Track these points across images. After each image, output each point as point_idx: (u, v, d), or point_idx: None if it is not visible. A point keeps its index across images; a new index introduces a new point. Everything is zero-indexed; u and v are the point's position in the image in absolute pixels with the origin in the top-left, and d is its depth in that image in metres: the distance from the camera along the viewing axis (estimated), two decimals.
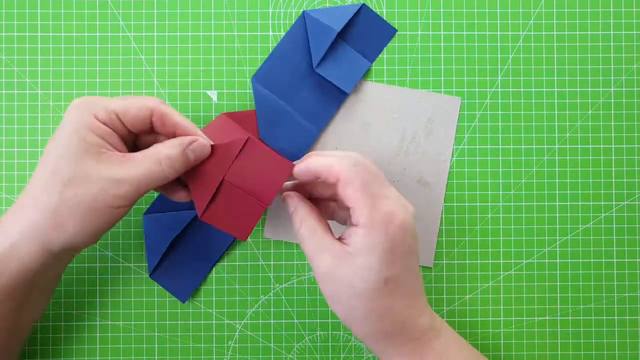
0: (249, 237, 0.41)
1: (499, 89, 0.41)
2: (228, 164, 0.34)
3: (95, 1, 0.40)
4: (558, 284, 0.41)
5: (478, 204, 0.41)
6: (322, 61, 0.39)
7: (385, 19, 0.41)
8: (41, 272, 0.31)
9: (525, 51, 0.41)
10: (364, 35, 0.40)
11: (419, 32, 0.41)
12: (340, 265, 0.30)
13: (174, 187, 0.35)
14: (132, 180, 0.31)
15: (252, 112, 0.39)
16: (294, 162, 0.33)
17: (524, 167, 0.41)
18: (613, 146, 0.41)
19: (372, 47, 0.41)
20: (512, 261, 0.41)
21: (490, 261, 0.41)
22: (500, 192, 0.41)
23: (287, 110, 0.39)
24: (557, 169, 0.41)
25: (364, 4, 0.40)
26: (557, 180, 0.41)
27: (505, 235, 0.41)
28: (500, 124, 0.41)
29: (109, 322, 0.40)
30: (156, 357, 0.40)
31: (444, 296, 0.41)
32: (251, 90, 0.40)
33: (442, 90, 0.41)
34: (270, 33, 0.41)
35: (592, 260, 0.41)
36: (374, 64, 0.41)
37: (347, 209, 0.31)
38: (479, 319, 0.41)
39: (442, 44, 0.41)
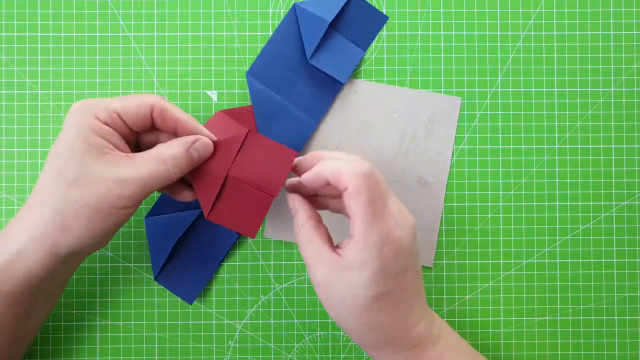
0: (248, 237, 0.41)
1: (499, 89, 0.41)
2: (231, 160, 0.34)
3: (95, 1, 0.40)
4: (558, 284, 0.41)
5: (478, 204, 0.41)
6: (315, 52, 0.39)
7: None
8: (47, 277, 0.31)
9: (525, 51, 0.41)
10: (356, 24, 0.40)
11: (419, 32, 0.41)
12: (333, 278, 0.30)
13: (178, 187, 0.35)
14: (137, 181, 0.31)
15: (249, 108, 0.39)
16: (297, 153, 0.33)
17: (524, 167, 0.41)
18: (613, 146, 0.41)
19: (364, 36, 0.41)
20: (512, 261, 0.41)
21: (490, 261, 0.41)
22: (500, 192, 0.41)
23: (283, 104, 0.39)
24: (557, 169, 0.41)
25: None
26: (557, 180, 0.41)
27: (505, 235, 0.41)
28: (500, 124, 0.41)
29: (109, 322, 0.40)
30: (156, 357, 0.40)
31: (444, 296, 0.41)
32: (250, 99, 0.40)
33: (442, 90, 0.41)
34: (270, 33, 0.41)
35: (592, 260, 0.41)
36: (374, 64, 0.41)
37: (343, 204, 0.31)
38: (479, 319, 0.41)
39: (442, 44, 0.41)
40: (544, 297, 0.41)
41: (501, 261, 0.41)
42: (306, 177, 0.31)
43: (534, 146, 0.41)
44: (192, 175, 0.34)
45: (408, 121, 0.41)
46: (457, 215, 0.41)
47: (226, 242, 0.40)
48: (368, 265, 0.29)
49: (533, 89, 0.41)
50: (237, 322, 0.40)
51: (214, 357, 0.40)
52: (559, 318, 0.41)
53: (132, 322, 0.40)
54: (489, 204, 0.41)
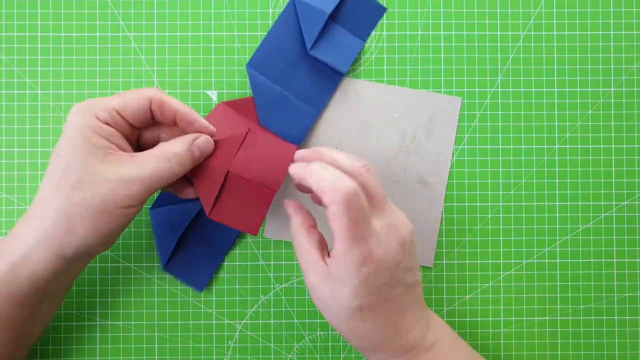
0: (249, 237, 0.41)
1: (499, 89, 0.41)
2: (231, 157, 0.34)
3: (95, 1, 0.40)
4: (558, 284, 0.41)
5: (478, 204, 0.41)
6: (315, 44, 0.39)
7: (385, 19, 0.41)
8: (53, 280, 0.31)
9: (525, 51, 0.41)
10: (355, 15, 0.40)
11: (419, 32, 0.41)
12: (321, 285, 0.31)
13: (181, 185, 0.35)
14: (141, 180, 0.31)
15: (250, 99, 0.39)
16: (297, 147, 0.34)
17: (524, 167, 0.41)
18: (613, 146, 0.41)
19: (363, 27, 0.41)
20: (512, 261, 0.41)
21: (490, 261, 0.41)
22: (500, 192, 0.41)
23: (284, 95, 0.39)
24: (557, 169, 0.41)
25: None
26: (557, 180, 0.41)
27: (505, 235, 0.41)
28: (500, 124, 0.41)
29: (109, 322, 0.40)
30: (156, 357, 0.40)
31: (444, 296, 0.41)
32: (251, 91, 0.40)
33: (442, 90, 0.41)
34: None
35: (592, 260, 0.41)
36: (374, 64, 0.41)
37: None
38: (479, 319, 0.41)
39: (442, 44, 0.41)
40: (544, 297, 0.41)
41: (501, 261, 0.41)
42: (293, 172, 0.32)
43: (534, 146, 0.41)
44: (193, 173, 0.34)
45: (408, 121, 0.41)
46: (457, 215, 0.41)
47: (233, 229, 0.40)
48: (348, 281, 0.29)
49: (533, 89, 0.41)
50: (237, 322, 0.40)
51: (214, 357, 0.40)
52: (559, 318, 0.41)
53: (132, 322, 0.40)
54: (489, 204, 0.41)
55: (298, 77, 0.40)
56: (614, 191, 0.41)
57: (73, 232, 0.30)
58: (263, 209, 0.35)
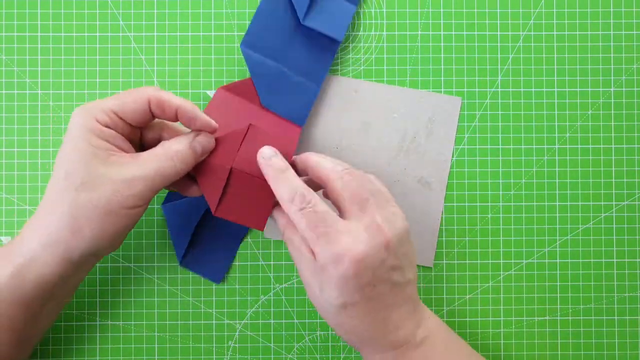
0: (249, 237, 0.41)
1: (499, 89, 0.41)
2: (234, 154, 0.34)
3: (95, 1, 0.40)
4: (558, 284, 0.41)
5: (478, 204, 0.41)
6: (307, 14, 0.39)
7: (385, 19, 0.41)
8: (60, 283, 0.32)
9: (525, 51, 0.41)
10: None
11: (419, 32, 0.41)
12: (312, 280, 0.31)
13: (185, 183, 0.35)
14: (144, 179, 0.31)
15: (249, 81, 0.39)
16: (301, 129, 0.35)
17: (524, 167, 0.41)
18: (613, 146, 0.41)
19: None
20: (512, 261, 0.41)
21: (490, 261, 0.41)
22: (500, 192, 0.41)
23: (282, 71, 0.39)
24: (557, 169, 0.41)
25: None
26: (557, 180, 0.41)
27: (505, 235, 0.41)
28: (500, 124, 0.41)
29: (109, 322, 0.40)
30: (156, 357, 0.40)
31: (444, 296, 0.41)
32: (249, 72, 0.39)
33: (442, 90, 0.41)
34: None
35: (592, 260, 0.41)
36: (374, 64, 0.41)
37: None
38: (479, 319, 0.41)
39: (442, 44, 0.41)
40: (544, 297, 0.41)
41: (501, 261, 0.41)
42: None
43: (534, 146, 0.41)
44: (196, 171, 0.34)
45: (408, 121, 0.41)
46: (457, 215, 0.41)
47: None
48: (329, 281, 0.30)
49: (533, 89, 0.41)
50: (237, 322, 0.40)
51: (214, 357, 0.40)
52: (559, 318, 0.41)
53: (132, 322, 0.40)
54: (489, 204, 0.41)
55: (294, 50, 0.39)
56: (614, 191, 0.41)
57: (79, 234, 0.30)
58: (268, 204, 0.35)
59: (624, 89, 0.41)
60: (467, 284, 0.41)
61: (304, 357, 0.40)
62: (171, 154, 0.32)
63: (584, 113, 0.41)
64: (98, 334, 0.40)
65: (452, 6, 0.41)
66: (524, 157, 0.41)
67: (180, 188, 0.36)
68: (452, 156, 0.41)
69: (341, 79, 0.41)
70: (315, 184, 0.35)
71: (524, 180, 0.41)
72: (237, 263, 0.40)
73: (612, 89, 0.41)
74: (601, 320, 0.41)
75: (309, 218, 0.30)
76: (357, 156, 0.41)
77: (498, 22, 0.41)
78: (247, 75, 0.40)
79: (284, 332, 0.40)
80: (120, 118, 0.32)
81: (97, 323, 0.40)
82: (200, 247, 0.40)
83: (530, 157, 0.41)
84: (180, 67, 0.40)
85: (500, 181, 0.41)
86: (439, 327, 0.34)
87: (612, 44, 0.41)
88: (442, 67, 0.41)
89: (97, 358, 0.40)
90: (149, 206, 0.40)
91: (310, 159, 0.34)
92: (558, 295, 0.41)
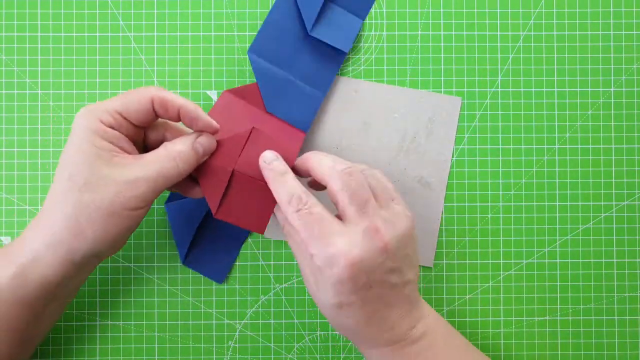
0: (249, 237, 0.41)
1: (499, 89, 0.41)
2: (236, 156, 0.34)
3: (95, 1, 0.40)
4: (558, 284, 0.41)
5: (478, 204, 0.41)
6: (315, 25, 0.39)
7: (385, 19, 0.41)
8: (62, 284, 0.32)
9: (525, 51, 0.41)
10: None
11: (419, 32, 0.41)
12: (311, 277, 0.32)
13: (188, 184, 0.35)
14: (147, 180, 0.31)
15: (254, 86, 0.39)
16: (305, 134, 0.35)
17: (524, 167, 0.41)
18: (613, 146, 0.41)
19: (361, 5, 0.41)
20: (512, 261, 0.41)
21: (490, 261, 0.41)
22: (500, 192, 0.41)
23: (288, 79, 0.39)
24: (557, 169, 0.41)
25: None
26: (557, 180, 0.41)
27: (505, 235, 0.41)
28: (500, 124, 0.41)
29: (109, 322, 0.40)
30: (156, 357, 0.40)
31: (444, 296, 0.41)
32: (255, 78, 0.39)
33: (442, 90, 0.41)
34: None
35: (592, 260, 0.41)
36: (374, 64, 0.41)
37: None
38: (479, 319, 0.41)
39: (442, 44, 0.41)
40: (544, 297, 0.41)
41: (501, 261, 0.41)
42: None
43: (534, 146, 0.41)
44: (198, 172, 0.34)
45: (408, 121, 0.41)
46: (457, 215, 0.41)
47: None
48: (325, 281, 0.30)
49: (533, 89, 0.41)
50: (237, 322, 0.40)
51: (214, 357, 0.40)
52: (559, 318, 0.41)
53: (132, 322, 0.40)
54: (489, 204, 0.41)
55: (300, 59, 0.40)
56: (614, 191, 0.41)
57: (82, 235, 0.30)
58: (269, 208, 0.35)
59: (624, 89, 0.41)
60: (467, 284, 0.41)
61: (304, 357, 0.40)
62: (173, 154, 0.32)
63: (584, 113, 0.41)
64: (98, 334, 0.40)
65: (452, 6, 0.41)
66: (524, 157, 0.41)
67: (182, 189, 0.36)
68: (452, 156, 0.41)
69: (341, 79, 0.41)
70: (320, 185, 0.35)
71: (524, 180, 0.41)
72: (237, 263, 0.40)
73: (612, 89, 0.41)
74: (601, 320, 0.41)
75: (305, 220, 0.31)
76: (357, 156, 0.41)
77: (498, 22, 0.41)
78: (247, 75, 0.40)
79: (284, 332, 0.40)
80: (124, 118, 0.32)
81: (97, 323, 0.40)
82: (203, 247, 0.40)
83: (530, 157, 0.41)
84: (180, 67, 0.40)
85: (500, 181, 0.41)
86: (437, 322, 0.34)
87: (612, 44, 0.41)
88: (442, 67, 0.41)
89: (97, 358, 0.40)
90: None
91: (311, 158, 0.34)
92: (558, 295, 0.41)
